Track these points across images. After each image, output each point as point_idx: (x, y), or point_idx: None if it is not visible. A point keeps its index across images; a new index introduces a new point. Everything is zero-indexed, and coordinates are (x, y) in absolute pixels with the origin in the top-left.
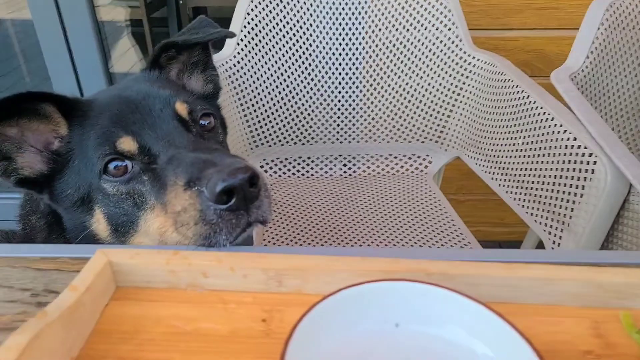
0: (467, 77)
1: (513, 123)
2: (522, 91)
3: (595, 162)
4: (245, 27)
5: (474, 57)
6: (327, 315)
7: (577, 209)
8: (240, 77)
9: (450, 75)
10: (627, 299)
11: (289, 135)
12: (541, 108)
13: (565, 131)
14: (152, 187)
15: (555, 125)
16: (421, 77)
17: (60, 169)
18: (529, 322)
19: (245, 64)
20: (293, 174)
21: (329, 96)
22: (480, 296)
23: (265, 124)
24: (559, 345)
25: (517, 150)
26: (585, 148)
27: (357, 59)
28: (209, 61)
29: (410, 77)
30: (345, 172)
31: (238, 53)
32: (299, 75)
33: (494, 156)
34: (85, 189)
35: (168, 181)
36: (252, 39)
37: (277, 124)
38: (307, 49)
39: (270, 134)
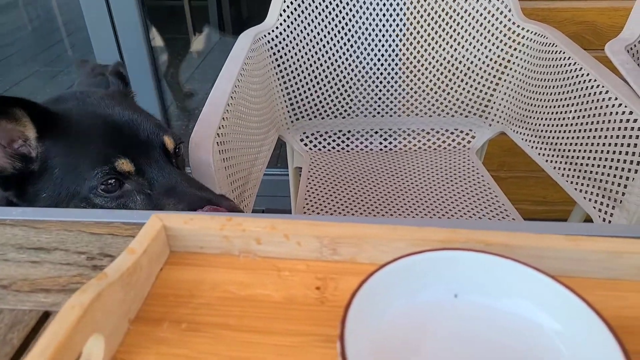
0: (515, 49)
1: (564, 97)
2: (575, 63)
3: None
4: None
5: (523, 28)
6: (385, 283)
7: (631, 185)
8: (282, 48)
9: (497, 47)
10: None
11: (329, 108)
12: (595, 81)
13: (620, 105)
14: (145, 208)
15: (610, 98)
16: (466, 48)
17: (31, 174)
18: (593, 296)
19: (287, 36)
20: (333, 147)
21: (371, 69)
22: (542, 269)
23: (306, 97)
24: (626, 321)
25: (567, 125)
26: None
27: (400, 29)
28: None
29: (455, 48)
30: (385, 146)
31: (280, 24)
32: (340, 48)
33: (542, 131)
34: (67, 197)
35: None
36: (295, 9)
37: (317, 97)
38: (349, 20)
39: (310, 107)
